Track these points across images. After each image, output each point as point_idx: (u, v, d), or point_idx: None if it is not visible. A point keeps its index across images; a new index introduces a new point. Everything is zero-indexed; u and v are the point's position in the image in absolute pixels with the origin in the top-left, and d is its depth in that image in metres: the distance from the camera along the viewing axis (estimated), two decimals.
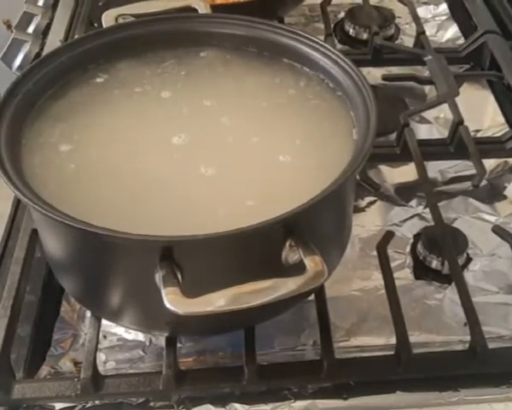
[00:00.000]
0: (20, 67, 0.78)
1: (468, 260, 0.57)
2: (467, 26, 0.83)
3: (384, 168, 0.66)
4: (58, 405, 0.47)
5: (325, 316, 0.50)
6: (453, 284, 0.53)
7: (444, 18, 0.86)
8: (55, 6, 0.86)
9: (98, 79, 0.54)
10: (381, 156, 0.65)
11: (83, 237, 0.42)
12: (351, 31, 0.82)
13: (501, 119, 0.71)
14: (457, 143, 0.64)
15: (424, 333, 0.52)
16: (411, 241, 0.59)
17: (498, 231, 0.58)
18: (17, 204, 0.60)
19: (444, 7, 0.87)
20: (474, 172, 0.61)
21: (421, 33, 0.77)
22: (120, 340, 0.53)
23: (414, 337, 0.51)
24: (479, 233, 0.59)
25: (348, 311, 0.54)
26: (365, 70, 0.70)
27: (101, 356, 0.51)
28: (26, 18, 0.83)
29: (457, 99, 0.66)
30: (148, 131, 0.51)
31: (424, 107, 0.69)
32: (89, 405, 0.48)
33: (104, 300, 0.47)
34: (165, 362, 0.47)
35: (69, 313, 0.54)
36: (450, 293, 0.55)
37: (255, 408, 0.47)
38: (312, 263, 0.39)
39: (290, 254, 0.41)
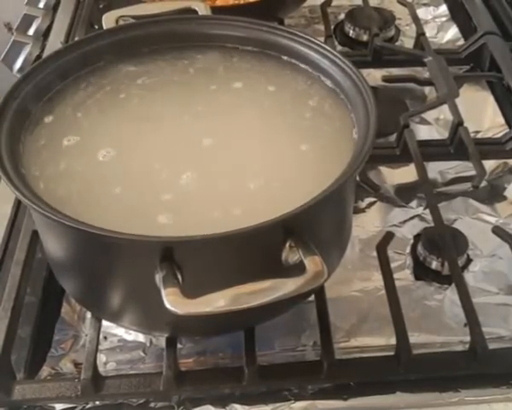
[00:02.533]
0: (20, 69, 0.79)
1: (468, 260, 0.57)
2: (467, 28, 0.83)
3: (384, 169, 0.66)
4: (58, 406, 0.47)
5: (325, 317, 0.50)
6: (453, 284, 0.53)
7: (444, 19, 0.86)
8: (55, 8, 0.86)
9: (99, 81, 0.54)
10: (381, 157, 0.65)
11: (83, 238, 0.43)
12: (351, 32, 0.82)
13: (501, 120, 0.71)
14: (457, 144, 0.64)
15: (424, 334, 0.52)
16: (411, 242, 0.59)
17: (498, 231, 0.58)
18: (18, 205, 0.60)
19: (444, 8, 0.87)
20: (473, 173, 0.61)
21: (421, 35, 0.77)
22: (121, 341, 0.53)
23: (414, 338, 0.51)
24: (479, 234, 0.59)
25: (348, 312, 0.54)
26: (365, 71, 0.70)
27: (101, 357, 0.51)
28: (27, 20, 0.83)
29: (457, 100, 0.66)
30: (148, 132, 0.51)
31: (424, 108, 0.69)
32: (89, 406, 0.48)
33: (104, 301, 0.47)
34: (166, 363, 0.47)
35: (70, 314, 0.54)
36: (451, 294, 0.55)
37: (255, 409, 0.47)
38: (312, 264, 0.39)
39: (290, 255, 0.41)
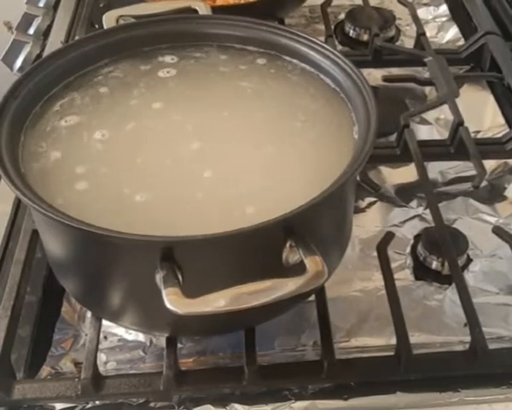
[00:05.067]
0: (20, 69, 0.78)
1: (469, 260, 0.57)
2: (467, 28, 0.83)
3: (384, 169, 0.66)
4: (58, 405, 0.47)
5: (325, 317, 0.50)
6: (453, 284, 0.53)
7: (444, 19, 0.86)
8: (55, 7, 0.86)
9: (99, 81, 0.54)
10: (382, 157, 0.65)
11: (83, 238, 0.43)
12: (351, 32, 0.82)
13: (501, 120, 0.71)
14: (458, 144, 0.64)
15: (424, 334, 0.52)
16: (411, 242, 0.59)
17: (498, 231, 0.58)
18: (18, 205, 0.60)
19: (444, 8, 0.87)
20: (474, 173, 0.61)
21: (421, 34, 0.77)
22: (121, 340, 0.53)
23: (414, 338, 0.51)
24: (479, 234, 0.59)
25: (348, 311, 0.54)
26: (366, 71, 0.70)
27: (101, 357, 0.51)
28: (27, 19, 0.83)
29: (457, 100, 0.66)
30: (148, 131, 0.51)
31: (424, 108, 0.69)
32: (89, 405, 0.48)
33: (105, 300, 0.47)
34: (166, 362, 0.47)
35: (70, 313, 0.54)
36: (451, 294, 0.55)
37: (255, 409, 0.47)
38: (313, 263, 0.39)
39: (290, 255, 0.41)
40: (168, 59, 0.56)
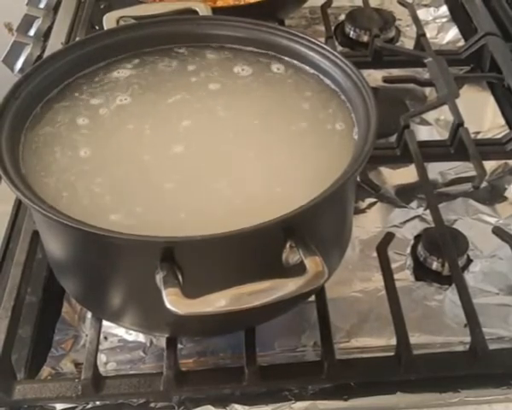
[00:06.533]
0: (21, 70, 0.79)
1: (469, 261, 0.57)
2: (467, 29, 0.83)
3: (384, 170, 0.66)
4: (59, 406, 0.48)
5: (326, 317, 0.50)
6: (453, 285, 0.53)
7: (444, 20, 0.86)
8: (56, 9, 0.86)
9: (99, 81, 0.54)
10: (382, 158, 0.65)
11: (83, 239, 0.43)
12: (351, 33, 0.82)
13: (501, 120, 0.71)
14: (458, 145, 0.64)
15: (424, 334, 0.52)
16: (412, 242, 0.59)
17: (499, 232, 0.58)
18: (18, 206, 0.60)
19: (444, 9, 0.88)
20: (474, 173, 0.61)
21: (421, 35, 0.77)
22: (121, 341, 0.53)
23: (414, 338, 0.51)
24: (479, 235, 0.59)
25: (349, 312, 0.54)
26: (366, 72, 0.70)
27: (101, 357, 0.51)
28: (28, 21, 0.84)
29: (458, 101, 0.66)
30: (148, 132, 0.51)
31: (424, 108, 0.69)
32: (89, 406, 0.48)
33: (105, 301, 0.47)
34: (166, 363, 0.47)
35: (70, 314, 0.54)
36: (451, 294, 0.55)
37: (256, 409, 0.47)
38: (313, 264, 0.39)
39: (291, 255, 0.41)
40: (168, 59, 0.56)
